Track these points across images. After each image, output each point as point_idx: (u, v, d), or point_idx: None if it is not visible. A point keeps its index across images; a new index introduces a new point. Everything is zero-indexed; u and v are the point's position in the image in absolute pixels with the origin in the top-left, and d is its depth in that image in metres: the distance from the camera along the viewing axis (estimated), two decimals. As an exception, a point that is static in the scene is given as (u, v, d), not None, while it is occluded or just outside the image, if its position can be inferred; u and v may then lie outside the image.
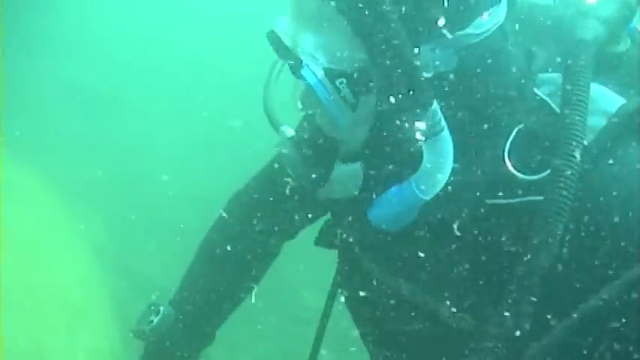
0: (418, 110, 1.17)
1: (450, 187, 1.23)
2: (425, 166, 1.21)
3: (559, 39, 1.32)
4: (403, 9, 1.16)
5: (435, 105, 1.19)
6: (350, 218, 1.42)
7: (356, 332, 1.52)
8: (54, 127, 5.96)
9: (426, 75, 1.19)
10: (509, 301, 1.19)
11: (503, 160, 1.23)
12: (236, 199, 1.85)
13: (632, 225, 1.16)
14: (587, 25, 1.29)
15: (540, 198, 1.18)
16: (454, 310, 1.30)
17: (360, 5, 1.14)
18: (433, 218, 1.27)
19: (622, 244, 1.16)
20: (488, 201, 1.25)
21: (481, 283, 1.28)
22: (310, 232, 1.69)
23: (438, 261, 1.31)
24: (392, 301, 1.37)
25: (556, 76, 1.28)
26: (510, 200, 1.23)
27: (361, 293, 1.43)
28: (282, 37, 1.25)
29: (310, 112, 1.33)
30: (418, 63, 1.17)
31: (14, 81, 5.77)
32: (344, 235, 1.46)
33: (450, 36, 1.19)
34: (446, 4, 1.17)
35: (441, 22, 1.18)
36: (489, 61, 1.24)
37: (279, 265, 1.84)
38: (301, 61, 1.23)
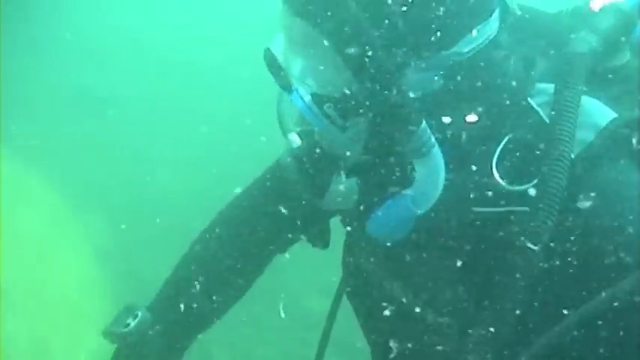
0: (407, 131, 1.18)
1: (442, 197, 1.24)
2: (418, 183, 1.23)
3: (558, 49, 1.32)
4: (388, 31, 1.16)
5: (424, 124, 1.19)
6: (350, 227, 1.46)
7: (360, 340, 1.53)
8: (57, 128, 5.98)
9: (413, 95, 1.19)
10: (492, 306, 1.22)
11: (492, 170, 1.25)
12: (227, 212, 1.77)
13: (619, 235, 1.17)
14: (582, 37, 1.29)
15: (525, 209, 1.20)
16: (443, 315, 1.32)
17: (345, 29, 1.14)
18: (426, 227, 1.29)
19: (609, 254, 1.17)
20: (476, 209, 1.27)
21: (469, 289, 1.30)
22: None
23: (430, 268, 1.33)
24: (390, 306, 1.39)
25: (552, 86, 1.28)
26: (497, 209, 1.25)
27: (364, 297, 1.46)
28: (278, 57, 1.27)
29: (307, 128, 1.36)
30: (404, 84, 1.18)
31: (19, 82, 5.79)
32: (347, 242, 1.49)
33: (436, 56, 1.20)
34: (432, 24, 1.18)
35: (427, 42, 1.19)
36: (479, 76, 1.25)
37: (282, 268, 1.82)
38: (291, 85, 1.26)
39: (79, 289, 4.02)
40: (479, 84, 1.25)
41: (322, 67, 1.21)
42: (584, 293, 1.16)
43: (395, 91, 1.16)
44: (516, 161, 1.26)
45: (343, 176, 1.33)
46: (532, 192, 1.20)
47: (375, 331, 1.49)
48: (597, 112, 1.25)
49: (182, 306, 1.68)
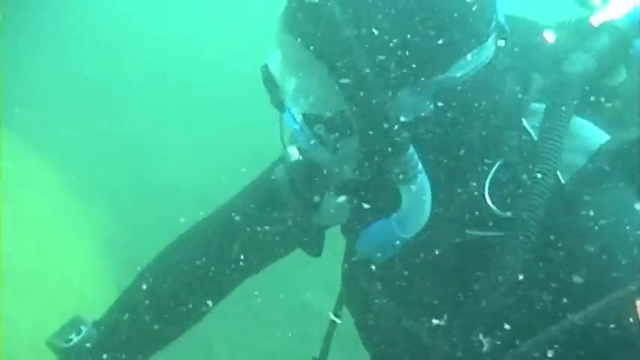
0: (393, 157, 1.19)
1: (435, 217, 1.25)
2: (404, 208, 1.23)
3: (554, 68, 1.31)
4: (380, 55, 1.16)
5: (412, 150, 1.19)
6: (346, 239, 1.50)
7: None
8: (66, 119, 5.98)
9: (404, 119, 1.19)
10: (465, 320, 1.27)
11: (484, 195, 1.26)
12: (205, 224, 1.68)
13: (604, 257, 1.19)
14: (576, 58, 1.27)
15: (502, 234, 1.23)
16: (432, 331, 1.35)
17: (337, 52, 1.14)
18: (418, 245, 1.30)
19: (593, 276, 1.19)
20: (469, 232, 1.28)
21: (456, 306, 1.32)
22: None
23: (419, 285, 1.36)
24: (378, 318, 1.44)
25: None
26: (489, 233, 1.26)
27: (356, 304, 1.52)
28: (274, 74, 1.28)
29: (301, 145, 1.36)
30: (393, 109, 1.17)
31: (26, 73, 5.81)
32: (346, 248, 1.53)
33: (429, 80, 1.19)
34: (425, 48, 1.17)
35: (420, 67, 1.18)
36: (472, 100, 1.24)
37: (284, 264, 1.81)
38: (283, 104, 1.27)
39: (83, 276, 4.03)
40: (472, 108, 1.24)
41: (314, 88, 1.22)
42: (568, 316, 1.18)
43: (384, 117, 1.16)
44: (507, 186, 1.26)
45: (334, 194, 1.34)
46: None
47: (367, 338, 1.53)
48: (589, 135, 1.25)
49: (128, 328, 1.59)
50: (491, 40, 1.24)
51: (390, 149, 1.18)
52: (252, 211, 1.57)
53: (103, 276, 4.15)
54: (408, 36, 1.16)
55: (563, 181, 1.22)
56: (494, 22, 1.24)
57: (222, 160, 5.64)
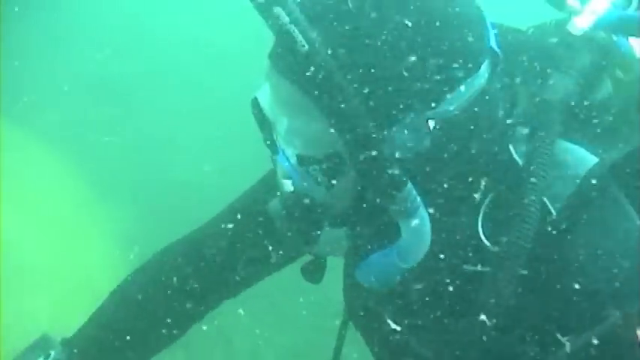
0: (390, 194, 1.17)
1: (432, 251, 1.25)
2: (404, 241, 1.22)
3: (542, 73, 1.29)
4: (372, 92, 1.14)
5: (409, 186, 1.17)
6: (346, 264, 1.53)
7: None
8: (85, 118, 6.02)
9: (399, 156, 1.18)
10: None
11: (478, 231, 1.27)
12: (195, 235, 1.72)
13: (593, 289, 1.20)
14: (556, 82, 1.25)
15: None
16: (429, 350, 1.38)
17: (328, 91, 1.12)
18: (415, 274, 1.30)
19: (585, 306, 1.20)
20: (465, 267, 1.30)
21: (451, 331, 1.34)
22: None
23: (416, 309, 1.38)
24: (377, 335, 1.48)
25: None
26: (483, 269, 1.27)
27: (357, 318, 1.56)
28: (264, 109, 1.26)
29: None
30: (390, 146, 1.16)
31: (41, 72, 5.84)
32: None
33: (422, 115, 1.17)
34: (417, 83, 1.15)
35: (413, 102, 1.16)
36: (466, 132, 1.22)
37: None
38: (277, 146, 1.25)
39: (102, 273, 4.05)
40: (466, 141, 1.22)
41: (308, 129, 1.19)
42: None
43: (379, 154, 1.14)
44: (499, 220, 1.25)
45: (331, 227, 1.32)
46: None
47: (367, 343, 1.57)
48: (576, 162, 1.23)
49: (99, 348, 1.58)
50: (483, 67, 1.21)
51: (387, 188, 1.16)
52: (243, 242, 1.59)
53: (123, 273, 4.16)
54: (400, 72, 1.14)
55: (553, 212, 1.21)
56: (486, 49, 1.22)
57: (240, 155, 5.64)
